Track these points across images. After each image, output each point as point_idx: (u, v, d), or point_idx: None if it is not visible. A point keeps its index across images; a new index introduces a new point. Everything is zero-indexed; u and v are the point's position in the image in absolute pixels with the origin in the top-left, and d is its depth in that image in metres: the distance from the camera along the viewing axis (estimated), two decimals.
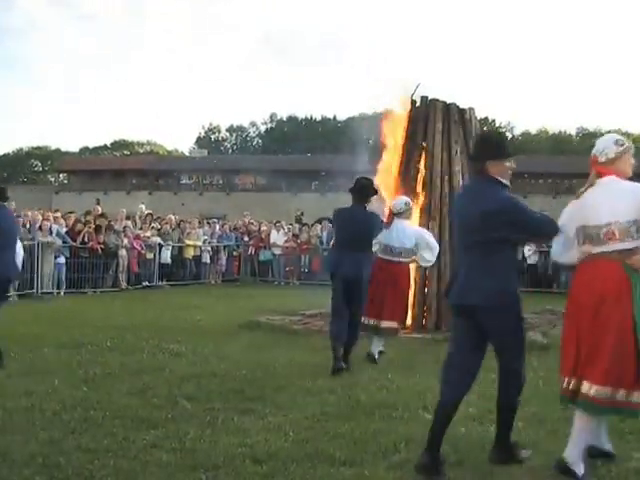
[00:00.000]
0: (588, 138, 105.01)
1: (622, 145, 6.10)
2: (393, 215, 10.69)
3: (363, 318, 10.23)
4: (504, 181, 6.12)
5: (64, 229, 20.99)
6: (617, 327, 5.37)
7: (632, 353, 5.34)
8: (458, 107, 13.89)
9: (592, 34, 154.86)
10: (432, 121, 13.64)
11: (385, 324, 10.53)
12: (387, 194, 13.74)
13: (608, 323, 5.41)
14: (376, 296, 10.35)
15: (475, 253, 5.87)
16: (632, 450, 6.31)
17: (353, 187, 9.91)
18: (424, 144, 13.67)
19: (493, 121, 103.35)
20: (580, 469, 5.56)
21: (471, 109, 14.03)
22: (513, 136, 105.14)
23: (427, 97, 13.97)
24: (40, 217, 21.20)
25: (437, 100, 13.87)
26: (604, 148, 6.19)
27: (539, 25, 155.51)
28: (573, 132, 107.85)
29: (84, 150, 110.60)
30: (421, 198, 13.43)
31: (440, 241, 12.96)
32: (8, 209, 10.54)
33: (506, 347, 6.12)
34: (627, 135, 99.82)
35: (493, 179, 6.02)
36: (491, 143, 6.33)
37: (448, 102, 13.89)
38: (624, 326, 5.36)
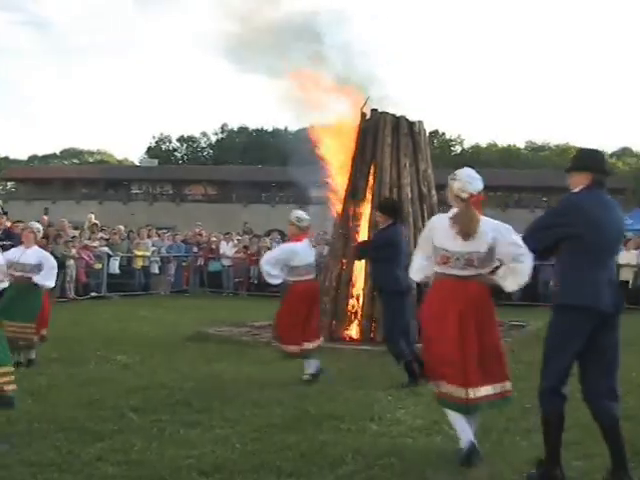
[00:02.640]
0: (536, 151, 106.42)
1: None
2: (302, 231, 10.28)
3: (307, 344, 9.96)
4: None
5: None
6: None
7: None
8: (407, 120, 13.96)
9: (539, 50, 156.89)
10: (381, 134, 13.69)
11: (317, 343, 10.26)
12: (336, 207, 13.80)
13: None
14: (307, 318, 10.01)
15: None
16: (572, 459, 6.38)
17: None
18: (373, 156, 13.71)
19: (443, 134, 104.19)
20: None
21: (420, 122, 14.12)
22: (463, 149, 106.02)
23: (377, 110, 14.03)
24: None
25: (387, 113, 13.92)
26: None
27: (489, 40, 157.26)
28: (522, 145, 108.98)
29: (33, 158, 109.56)
30: (369, 210, 13.46)
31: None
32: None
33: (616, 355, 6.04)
34: (574, 149, 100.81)
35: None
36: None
37: (397, 115, 13.95)
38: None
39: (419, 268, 6.92)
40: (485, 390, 6.37)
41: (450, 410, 6.36)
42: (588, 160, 6.35)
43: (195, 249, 27.40)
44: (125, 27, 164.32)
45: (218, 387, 9.30)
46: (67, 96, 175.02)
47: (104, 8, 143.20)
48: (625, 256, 22.78)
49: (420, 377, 9.09)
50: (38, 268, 10.75)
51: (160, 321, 16.79)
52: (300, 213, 10.38)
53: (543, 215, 6.32)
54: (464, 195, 6.46)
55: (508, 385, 6.62)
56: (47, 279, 10.90)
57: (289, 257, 9.93)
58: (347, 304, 13.28)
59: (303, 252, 10.05)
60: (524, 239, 6.34)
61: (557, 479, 5.81)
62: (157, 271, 25.71)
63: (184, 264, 27.06)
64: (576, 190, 6.14)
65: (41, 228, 11.79)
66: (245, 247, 26.81)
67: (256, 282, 25.89)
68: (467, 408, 6.26)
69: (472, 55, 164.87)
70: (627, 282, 22.75)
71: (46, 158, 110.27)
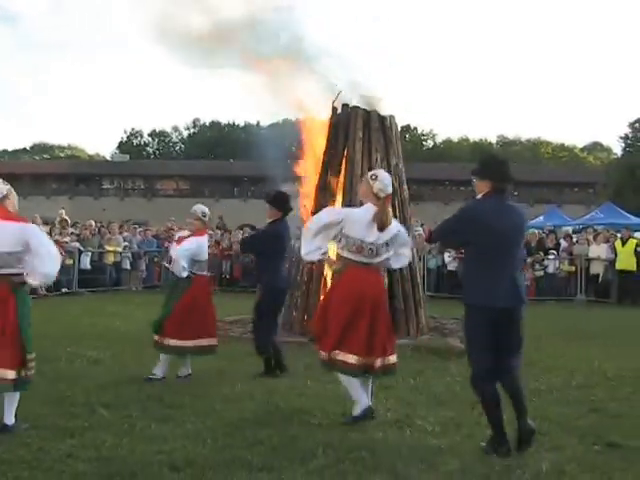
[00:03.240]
0: (508, 146, 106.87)
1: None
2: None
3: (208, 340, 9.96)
4: None
5: None
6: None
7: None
8: (379, 114, 13.98)
9: (511, 45, 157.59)
10: (353, 128, 13.70)
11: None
12: (308, 201, 13.78)
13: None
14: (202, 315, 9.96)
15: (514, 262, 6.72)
16: (545, 450, 6.44)
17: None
18: (345, 151, 13.72)
19: (415, 129, 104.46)
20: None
21: (392, 116, 14.13)
22: (435, 144, 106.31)
23: (348, 104, 14.03)
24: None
25: (358, 107, 13.93)
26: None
27: (460, 35, 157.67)
28: (494, 140, 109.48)
29: (2, 153, 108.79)
30: (340, 204, 13.46)
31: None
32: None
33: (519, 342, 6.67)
34: (545, 144, 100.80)
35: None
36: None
37: (369, 109, 13.96)
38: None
39: (316, 251, 7.61)
40: (381, 361, 7.38)
41: (350, 376, 7.33)
42: (489, 169, 6.92)
43: (167, 244, 27.25)
44: (95, 22, 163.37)
45: (190, 383, 9.28)
46: (37, 90, 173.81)
47: (74, 3, 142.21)
48: (595, 250, 22.97)
49: (274, 370, 9.96)
50: None
51: (131, 317, 16.69)
52: (204, 208, 10.37)
53: (449, 219, 6.91)
54: (382, 194, 7.47)
55: (395, 358, 7.59)
56: None
57: (200, 251, 9.96)
58: (318, 299, 13.27)
59: (206, 247, 10.23)
60: (434, 240, 7.39)
61: (504, 453, 6.32)
62: (128, 267, 25.55)
63: (155, 259, 26.92)
64: (479, 197, 6.87)
65: None
66: (217, 242, 26.72)
67: (228, 277, 25.84)
68: (367, 373, 7.39)
69: (444, 50, 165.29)
70: (597, 276, 22.92)
71: (16, 153, 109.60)
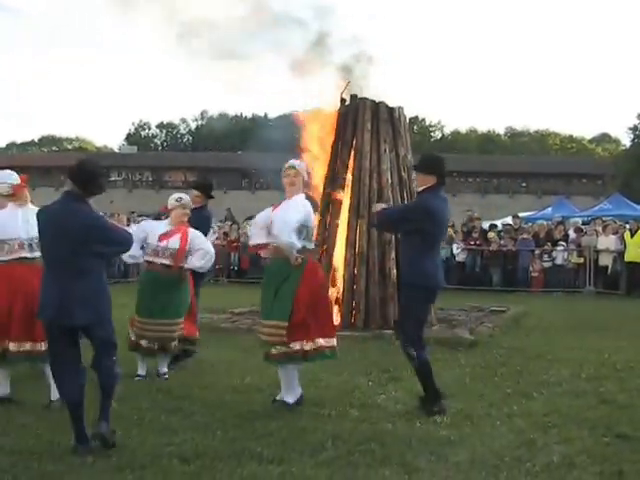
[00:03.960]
0: (516, 137, 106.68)
1: None
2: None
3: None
4: None
5: None
6: None
7: None
8: (387, 106, 13.94)
9: (519, 36, 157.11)
10: (361, 119, 13.67)
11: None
12: (315, 192, 13.76)
13: None
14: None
15: None
16: (554, 443, 6.43)
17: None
18: (353, 142, 13.69)
19: (423, 120, 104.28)
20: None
21: (400, 108, 14.09)
22: (443, 135, 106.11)
23: (356, 95, 14.00)
24: None
25: (366, 99, 13.90)
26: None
27: (468, 26, 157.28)
28: (502, 132, 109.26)
29: (11, 146, 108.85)
30: (349, 196, 13.45)
31: (369, 238, 13.03)
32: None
33: None
34: (554, 135, 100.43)
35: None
36: None
37: (377, 101, 13.93)
38: None
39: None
40: (319, 342, 7.71)
41: (290, 365, 7.69)
42: (436, 165, 7.70)
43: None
44: (104, 13, 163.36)
45: (198, 374, 9.29)
46: (45, 83, 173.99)
47: None
48: (604, 241, 22.89)
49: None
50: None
51: None
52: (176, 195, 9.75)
53: (402, 209, 8.39)
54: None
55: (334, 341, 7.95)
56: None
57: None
58: None
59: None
60: (380, 225, 8.52)
61: (437, 412, 7.33)
62: None
63: None
64: (421, 189, 7.72)
65: None
66: (225, 234, 26.74)
67: (236, 269, 25.86)
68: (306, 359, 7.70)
69: (453, 41, 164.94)
70: (606, 267, 22.86)
71: (24, 145, 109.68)
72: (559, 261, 23.30)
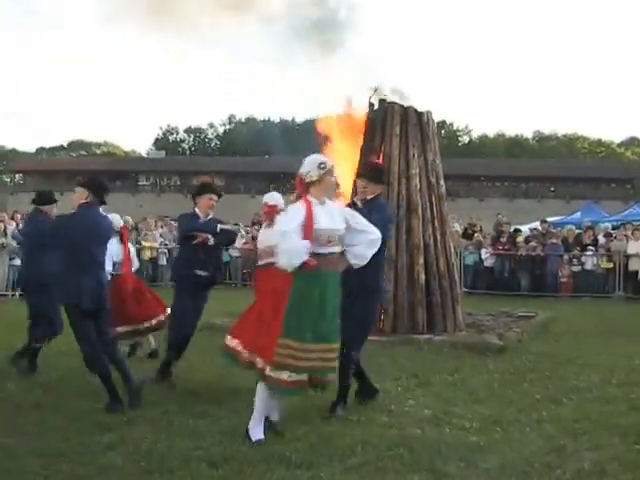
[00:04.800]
0: (544, 141, 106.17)
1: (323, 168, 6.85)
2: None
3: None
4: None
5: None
6: None
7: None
8: (416, 110, 13.91)
9: (547, 40, 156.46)
10: (390, 124, 13.65)
11: None
12: (344, 196, 13.75)
13: None
14: None
15: None
16: (585, 450, 6.38)
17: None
18: (382, 147, 13.67)
19: (451, 124, 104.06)
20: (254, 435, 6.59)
21: (429, 112, 14.05)
22: (471, 139, 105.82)
23: (385, 100, 13.99)
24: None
25: (395, 103, 13.88)
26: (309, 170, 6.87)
27: (497, 30, 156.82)
28: (529, 136, 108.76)
29: (40, 150, 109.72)
30: None
31: (397, 243, 13.00)
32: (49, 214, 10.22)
33: None
34: (582, 139, 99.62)
35: None
36: None
37: (406, 105, 13.91)
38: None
39: None
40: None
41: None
42: (383, 176, 8.24)
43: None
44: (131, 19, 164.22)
45: (226, 378, 9.28)
46: (74, 88, 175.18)
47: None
48: (633, 246, 22.72)
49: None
50: None
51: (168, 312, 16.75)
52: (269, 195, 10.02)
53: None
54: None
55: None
56: None
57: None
58: None
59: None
60: None
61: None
62: (165, 262, 25.67)
63: None
64: (371, 197, 7.75)
65: None
66: (253, 238, 26.75)
67: None
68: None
69: (481, 45, 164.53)
70: (636, 272, 22.69)
71: (53, 150, 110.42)
72: (588, 266, 23.15)
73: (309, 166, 6.83)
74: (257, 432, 6.55)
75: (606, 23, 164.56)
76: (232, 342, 7.17)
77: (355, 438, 6.60)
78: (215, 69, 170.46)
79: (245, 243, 26.57)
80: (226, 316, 15.07)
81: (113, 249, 10.34)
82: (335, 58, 14.51)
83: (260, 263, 9.34)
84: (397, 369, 9.87)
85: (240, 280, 26.42)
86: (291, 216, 6.67)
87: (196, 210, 9.57)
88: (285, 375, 6.44)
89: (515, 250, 23.68)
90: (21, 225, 20.87)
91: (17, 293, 19.79)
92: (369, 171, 8.04)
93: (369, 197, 7.82)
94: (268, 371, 6.52)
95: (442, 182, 13.99)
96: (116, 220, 11.07)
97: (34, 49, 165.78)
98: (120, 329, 10.47)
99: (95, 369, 7.92)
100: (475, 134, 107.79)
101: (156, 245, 25.39)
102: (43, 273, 9.31)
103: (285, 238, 6.43)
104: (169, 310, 10.08)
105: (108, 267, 10.02)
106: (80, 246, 7.94)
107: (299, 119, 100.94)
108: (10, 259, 19.82)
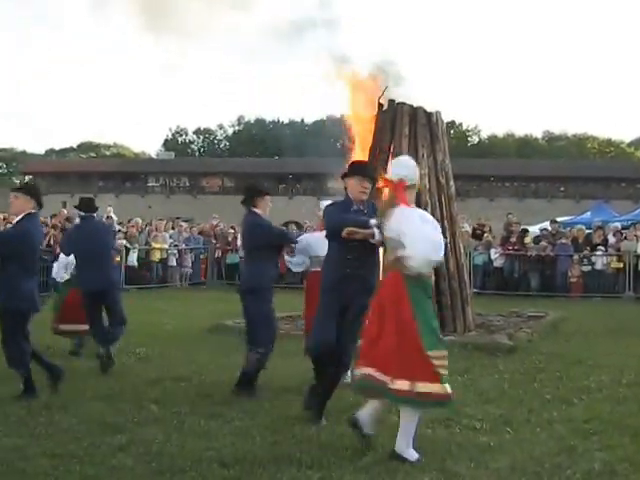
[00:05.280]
0: (554, 141, 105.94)
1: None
2: None
3: None
4: None
5: None
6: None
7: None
8: (425, 110, 13.90)
9: (557, 40, 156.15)
10: (399, 124, 13.64)
11: None
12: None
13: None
14: None
15: None
16: (595, 450, 6.36)
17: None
18: (391, 147, 13.66)
19: (460, 124, 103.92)
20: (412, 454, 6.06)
21: (438, 112, 14.05)
22: (480, 139, 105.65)
23: (394, 100, 13.98)
24: (2, 220, 21.03)
25: (404, 103, 13.87)
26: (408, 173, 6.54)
27: (505, 30, 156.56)
28: (539, 135, 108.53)
29: (50, 152, 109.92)
30: None
31: None
32: (97, 220, 11.32)
33: None
34: (592, 139, 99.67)
35: None
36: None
37: (415, 106, 13.89)
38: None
39: None
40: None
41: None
42: (365, 169, 7.67)
43: (213, 241, 27.37)
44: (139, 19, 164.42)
45: (237, 379, 9.30)
46: (83, 90, 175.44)
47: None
48: None
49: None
50: None
51: (178, 313, 16.82)
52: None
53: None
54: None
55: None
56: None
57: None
58: None
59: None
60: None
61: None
62: (174, 264, 25.69)
63: (201, 256, 27.05)
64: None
65: None
66: None
67: None
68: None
69: (490, 45, 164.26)
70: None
71: (63, 152, 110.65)
72: (598, 266, 23.07)
73: (407, 169, 6.56)
74: (412, 453, 6.06)
75: (616, 23, 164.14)
76: (362, 370, 6.31)
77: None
78: (223, 70, 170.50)
79: None
80: (236, 317, 15.08)
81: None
82: (345, 59, 14.47)
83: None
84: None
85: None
86: (415, 220, 6.29)
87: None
88: (445, 388, 6.07)
89: (525, 250, 23.63)
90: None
91: None
92: (373, 172, 7.66)
93: (365, 198, 7.36)
94: (421, 388, 5.97)
95: (452, 182, 13.98)
96: None
97: (37, 49, 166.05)
98: (65, 327, 11.35)
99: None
100: (484, 134, 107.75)
101: (166, 246, 25.41)
102: None
103: (426, 242, 6.15)
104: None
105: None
106: (36, 253, 8.55)
107: (308, 120, 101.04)
108: None
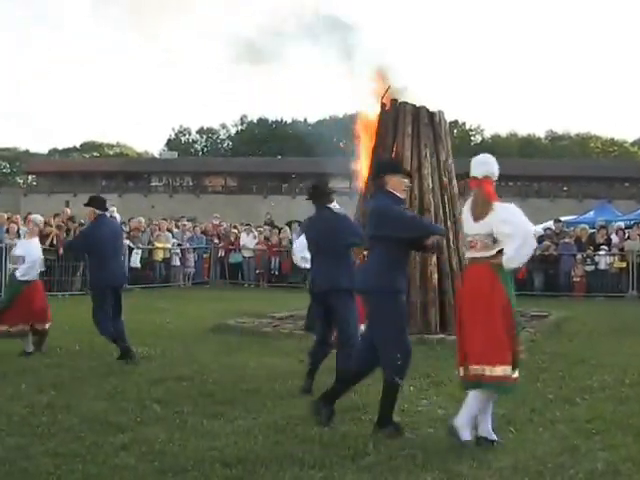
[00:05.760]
0: (557, 141, 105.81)
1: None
2: None
3: None
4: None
5: None
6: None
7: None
8: (428, 110, 13.89)
9: (559, 40, 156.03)
10: (402, 124, 13.63)
11: None
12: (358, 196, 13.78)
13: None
14: None
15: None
16: (598, 450, 6.35)
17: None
18: (394, 147, 13.65)
19: (463, 124, 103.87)
20: (466, 434, 6.39)
21: (440, 112, 14.04)
22: (483, 139, 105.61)
23: (397, 100, 13.97)
24: (6, 219, 21.05)
25: (407, 103, 13.87)
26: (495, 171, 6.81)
27: (508, 29, 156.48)
28: (542, 135, 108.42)
29: (53, 152, 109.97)
30: None
31: None
32: (109, 218, 11.68)
33: None
34: (595, 138, 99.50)
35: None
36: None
37: (418, 105, 13.89)
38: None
39: None
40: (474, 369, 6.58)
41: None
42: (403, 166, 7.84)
43: (216, 240, 27.39)
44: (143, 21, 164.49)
45: (240, 378, 9.31)
46: (85, 89, 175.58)
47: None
48: None
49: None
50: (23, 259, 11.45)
51: (181, 313, 16.82)
52: None
53: (410, 216, 7.26)
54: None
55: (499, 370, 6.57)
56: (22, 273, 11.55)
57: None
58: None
59: None
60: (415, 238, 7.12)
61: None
62: (178, 263, 25.70)
63: (205, 256, 27.06)
64: (392, 191, 7.06)
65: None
66: (266, 238, 26.79)
67: (277, 273, 25.90)
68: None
69: (493, 45, 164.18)
70: None
71: (66, 151, 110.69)
72: (602, 266, 23.04)
73: (491, 166, 6.81)
74: (466, 434, 6.40)
75: (619, 22, 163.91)
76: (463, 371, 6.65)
77: (368, 438, 6.60)
78: (225, 69, 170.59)
79: (257, 243, 26.60)
80: (239, 316, 15.12)
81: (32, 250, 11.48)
82: (347, 58, 14.47)
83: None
84: (410, 369, 9.83)
85: (253, 280, 26.45)
86: (522, 216, 6.58)
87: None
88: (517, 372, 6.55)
89: None
90: None
91: None
92: (389, 164, 7.77)
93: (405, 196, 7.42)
94: (509, 372, 6.45)
95: (454, 182, 13.98)
96: (38, 220, 11.79)
97: (37, 49, 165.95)
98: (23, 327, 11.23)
99: None
100: (487, 134, 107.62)
101: (169, 246, 25.42)
102: None
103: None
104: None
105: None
106: None
107: (311, 120, 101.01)
108: None
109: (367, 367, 7.21)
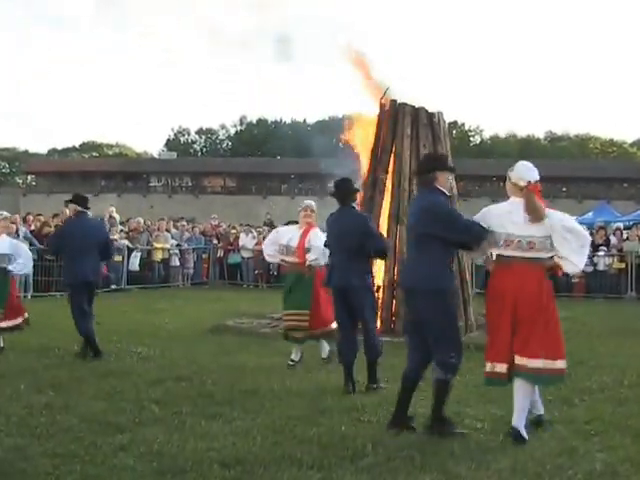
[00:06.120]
0: (556, 142, 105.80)
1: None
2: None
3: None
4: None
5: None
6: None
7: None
8: (427, 111, 13.88)
9: (558, 41, 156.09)
10: (401, 125, 13.63)
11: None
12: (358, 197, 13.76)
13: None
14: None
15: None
16: (597, 451, 6.36)
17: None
18: (393, 147, 13.65)
19: (462, 125, 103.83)
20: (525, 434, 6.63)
21: (440, 113, 14.03)
22: (482, 140, 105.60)
23: (396, 101, 13.97)
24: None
25: (406, 104, 13.85)
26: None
27: (507, 30, 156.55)
28: (541, 136, 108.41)
29: (52, 152, 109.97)
30: (389, 201, 13.42)
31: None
32: (88, 216, 11.69)
33: None
34: (594, 139, 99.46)
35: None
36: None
37: (417, 106, 13.88)
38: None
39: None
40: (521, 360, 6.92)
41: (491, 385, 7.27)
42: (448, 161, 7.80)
43: (215, 241, 27.37)
44: (142, 20, 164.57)
45: (238, 379, 9.30)
46: (85, 89, 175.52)
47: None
48: None
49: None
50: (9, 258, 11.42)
51: (180, 313, 16.82)
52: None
53: (462, 217, 7.16)
54: (522, 183, 6.92)
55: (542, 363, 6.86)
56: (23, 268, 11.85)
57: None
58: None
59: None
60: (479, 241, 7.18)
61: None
62: (177, 263, 25.68)
63: (203, 256, 27.05)
64: (441, 188, 7.13)
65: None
66: (265, 239, 26.72)
67: (275, 274, 25.86)
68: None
69: (492, 45, 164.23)
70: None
71: (65, 151, 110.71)
72: (601, 267, 23.04)
73: (535, 172, 7.00)
74: (525, 432, 6.67)
75: (618, 23, 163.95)
76: (494, 367, 7.16)
77: (366, 439, 6.59)
78: (225, 69, 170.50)
79: (257, 244, 26.56)
80: (237, 317, 15.11)
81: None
82: (346, 60, 14.46)
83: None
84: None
85: (251, 281, 26.43)
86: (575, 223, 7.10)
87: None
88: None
89: None
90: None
91: (29, 295, 19.87)
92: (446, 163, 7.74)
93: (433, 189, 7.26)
94: (556, 364, 6.79)
95: (454, 182, 13.96)
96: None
97: (37, 49, 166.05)
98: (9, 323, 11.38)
99: None
100: (486, 134, 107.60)
101: (167, 246, 25.40)
102: None
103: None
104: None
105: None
106: None
107: (310, 120, 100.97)
108: None
109: (422, 367, 7.35)
